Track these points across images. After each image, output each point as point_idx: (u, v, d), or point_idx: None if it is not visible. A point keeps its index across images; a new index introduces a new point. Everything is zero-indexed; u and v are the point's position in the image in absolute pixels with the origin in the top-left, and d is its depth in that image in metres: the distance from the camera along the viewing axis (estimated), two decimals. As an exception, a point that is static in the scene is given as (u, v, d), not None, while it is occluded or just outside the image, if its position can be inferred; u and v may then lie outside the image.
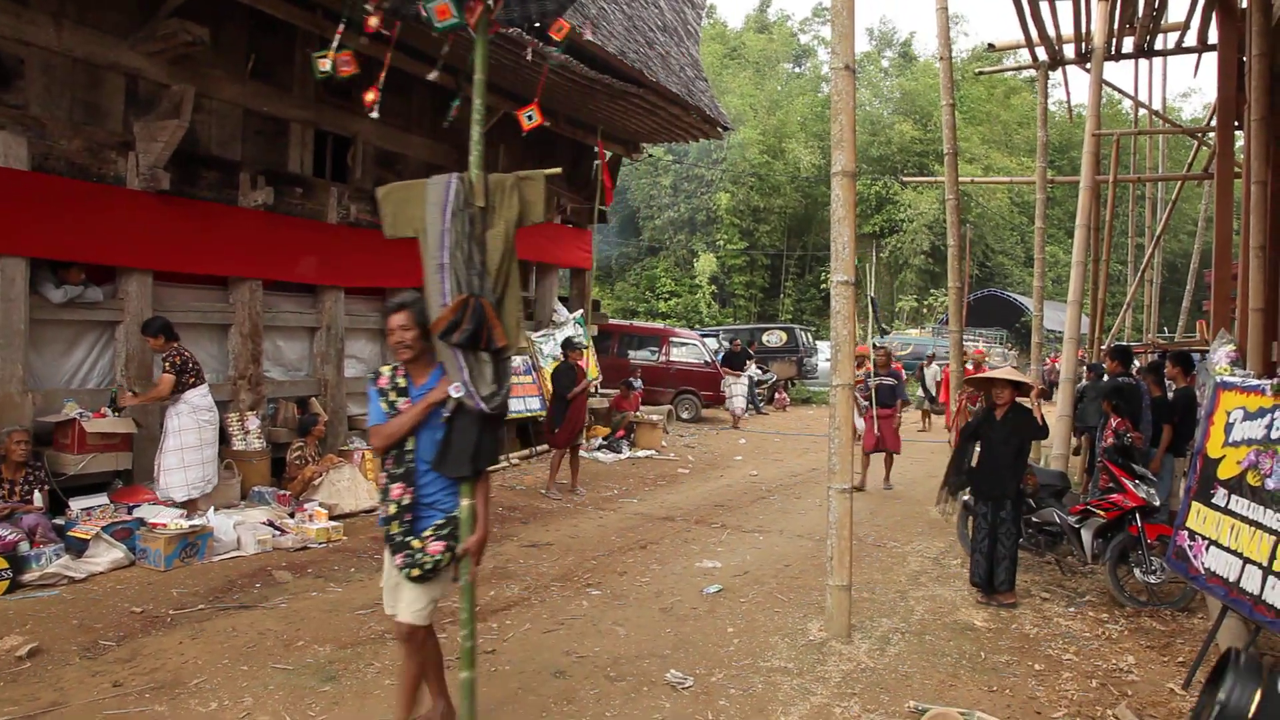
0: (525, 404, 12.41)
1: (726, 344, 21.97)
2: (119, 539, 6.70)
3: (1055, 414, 9.95)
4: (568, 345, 10.90)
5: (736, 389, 18.78)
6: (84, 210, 7.47)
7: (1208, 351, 8.57)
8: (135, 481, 7.69)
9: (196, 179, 8.57)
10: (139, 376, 7.87)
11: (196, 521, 7.11)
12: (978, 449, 6.94)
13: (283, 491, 8.46)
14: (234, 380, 8.86)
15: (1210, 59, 11.04)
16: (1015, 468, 6.63)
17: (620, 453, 13.44)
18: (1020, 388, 6.80)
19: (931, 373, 18.84)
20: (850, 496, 5.59)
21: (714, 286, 34.14)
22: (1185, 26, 11.35)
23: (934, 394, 18.69)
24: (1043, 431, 6.86)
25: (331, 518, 8.06)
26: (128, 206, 7.80)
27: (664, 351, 19.63)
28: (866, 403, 11.46)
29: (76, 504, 6.96)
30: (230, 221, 8.71)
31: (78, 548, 6.50)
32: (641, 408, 16.05)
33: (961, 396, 10.51)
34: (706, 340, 21.33)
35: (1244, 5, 8.74)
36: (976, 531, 6.72)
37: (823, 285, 36.36)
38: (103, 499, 7.25)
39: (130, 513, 7.07)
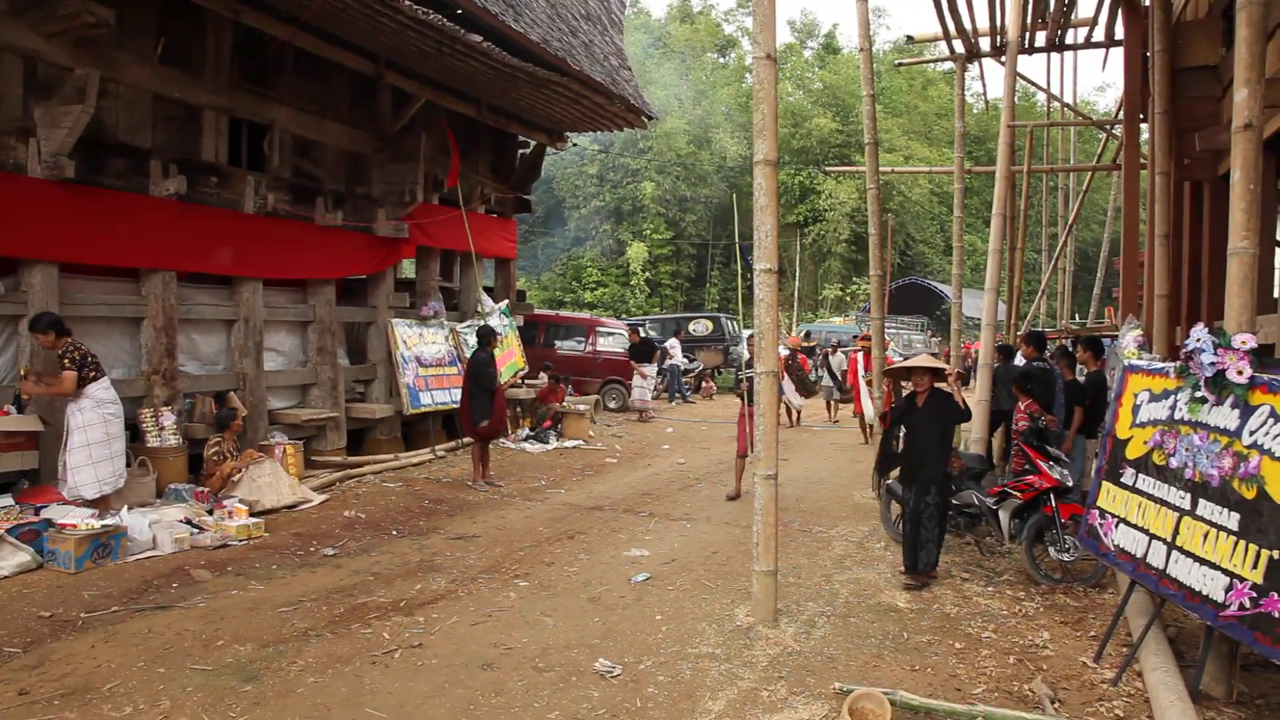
0: (451, 395, 12.27)
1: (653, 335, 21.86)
2: (25, 541, 6.43)
3: (974, 398, 10.22)
4: (484, 334, 10.59)
5: (642, 382, 17.83)
6: (-19, 199, 7.15)
7: (1117, 336, 8.89)
8: (42, 481, 7.39)
9: (104, 167, 8.26)
10: (44, 374, 7.52)
11: (109, 521, 6.86)
12: (902, 435, 7.09)
13: (201, 488, 8.23)
14: (148, 375, 8.56)
15: (1117, 54, 11.42)
16: (939, 452, 6.74)
17: (547, 443, 13.39)
18: (938, 374, 6.94)
19: (837, 361, 18.62)
20: (774, 483, 5.65)
21: (647, 274, 34.26)
22: (1094, 22, 11.73)
23: (840, 382, 18.38)
24: (965, 415, 6.98)
25: (252, 514, 7.86)
26: (29, 195, 7.47)
27: (591, 341, 19.59)
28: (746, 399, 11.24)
29: (-22, 506, 6.68)
30: (141, 211, 8.41)
31: (-20, 551, 6.23)
32: (567, 399, 16.01)
33: (886, 384, 10.68)
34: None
35: (1146, 3, 9.06)
36: (904, 517, 6.86)
37: (749, 274, 36.69)
38: (7, 500, 6.96)
39: (37, 513, 6.79)
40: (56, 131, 7.52)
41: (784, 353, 16.53)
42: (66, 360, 7.12)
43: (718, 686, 4.69)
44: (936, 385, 6.91)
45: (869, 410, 13.72)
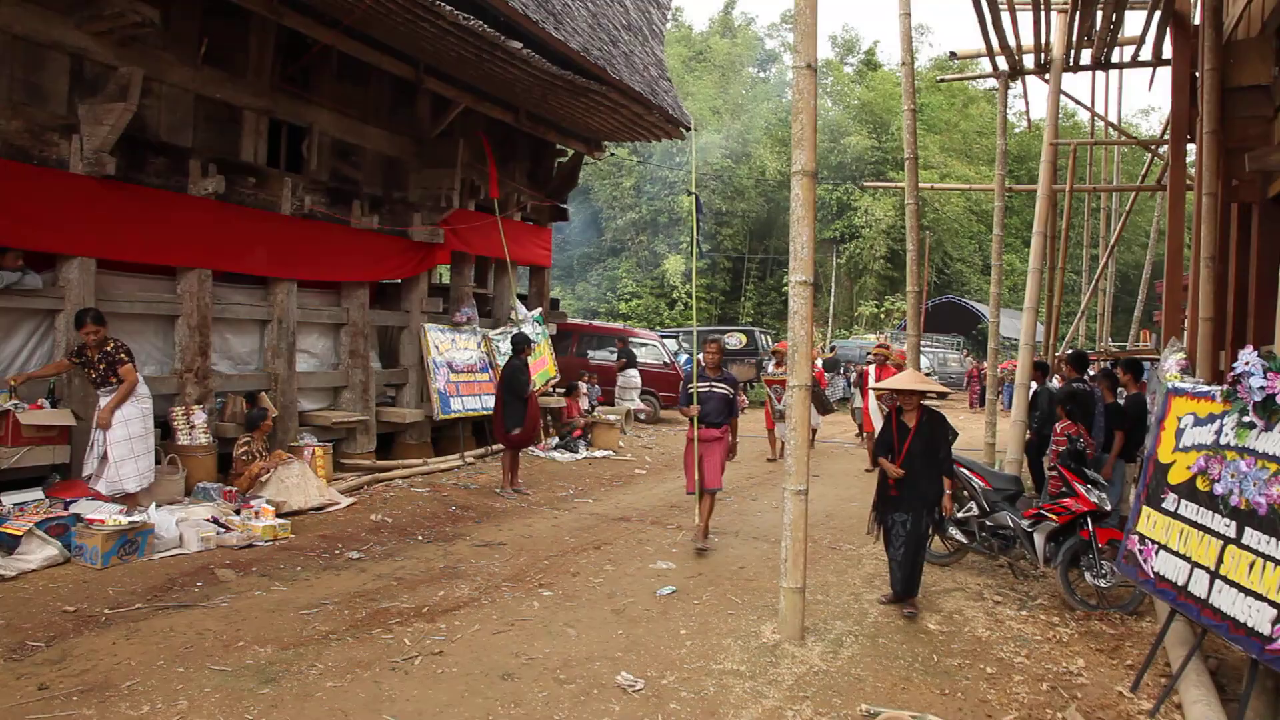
0: (482, 402, 12.27)
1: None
2: (54, 535, 6.46)
3: (1010, 418, 10.04)
4: (518, 341, 10.58)
5: (627, 389, 17.54)
6: (23, 193, 7.22)
7: (1158, 359, 8.69)
8: (73, 476, 7.44)
9: (144, 165, 8.34)
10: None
11: (137, 518, 6.88)
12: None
13: (229, 488, 8.25)
14: (180, 373, 8.62)
15: (1164, 73, 11.21)
16: (936, 474, 6.43)
17: (577, 453, 13.34)
18: (928, 394, 6.64)
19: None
20: (805, 499, 5.55)
21: (687, 288, 34.25)
22: (1141, 40, 11.51)
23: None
24: (953, 434, 6.75)
25: (279, 515, 7.86)
26: (70, 191, 7.56)
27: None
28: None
29: (9, 499, 6.72)
30: (179, 210, 8.48)
31: (9, 544, 6.26)
32: (600, 409, 15.94)
33: (881, 404, 10.36)
34: (666, 341, 21.28)
35: (1197, 21, 8.88)
36: (894, 541, 6.41)
37: (783, 289, 36.58)
38: (38, 494, 7.01)
39: (67, 508, 6.82)
40: (99, 129, 7.60)
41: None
42: (122, 354, 7.27)
43: (741, 704, 4.59)
44: (924, 405, 6.57)
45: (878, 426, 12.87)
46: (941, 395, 6.96)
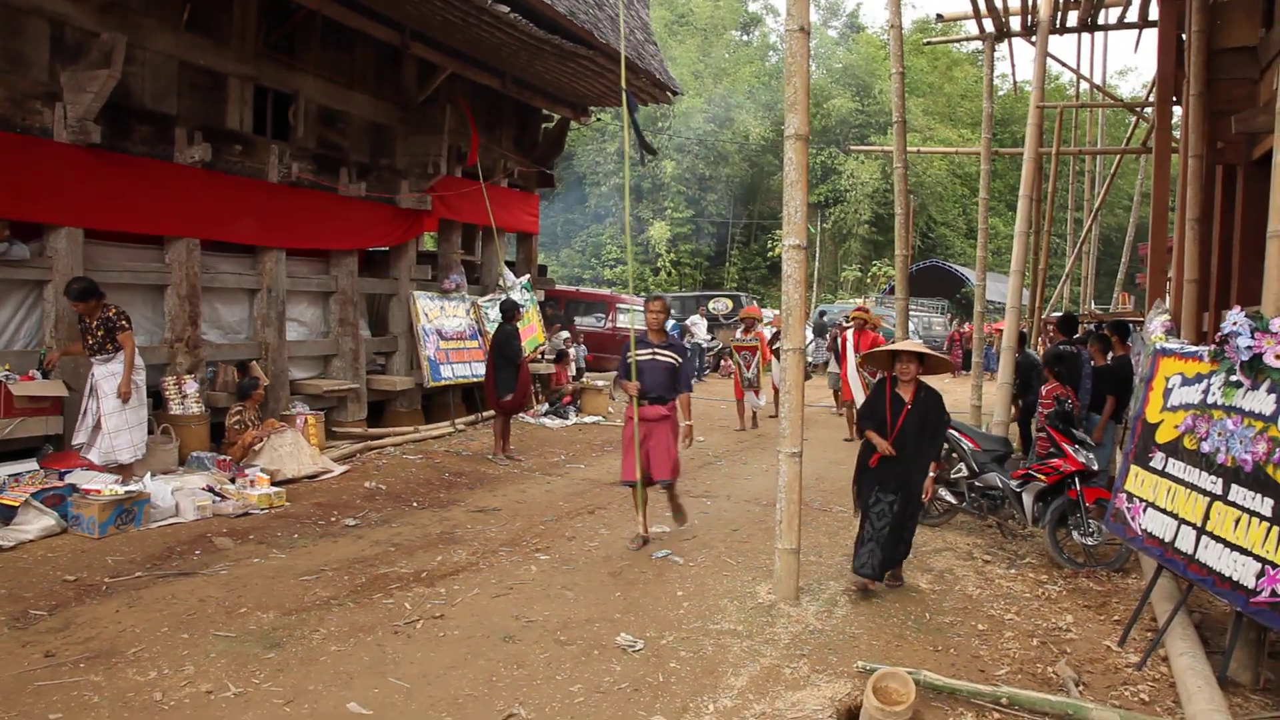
0: (472, 369, 12.28)
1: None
2: (50, 505, 6.47)
3: (997, 381, 10.15)
4: (508, 307, 10.56)
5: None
6: (7, 163, 7.13)
7: (1143, 321, 8.79)
8: (66, 446, 7.44)
9: (129, 133, 8.25)
10: (69, 338, 7.56)
11: (133, 487, 6.90)
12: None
13: (223, 457, 8.26)
14: (170, 343, 8.59)
15: (1150, 35, 11.22)
16: (926, 456, 5.90)
17: (567, 418, 13.40)
18: (927, 361, 5.94)
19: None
20: (799, 460, 5.61)
21: (671, 255, 34.21)
22: (1128, 2, 11.51)
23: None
24: (947, 419, 6.14)
25: (274, 483, 7.88)
26: (55, 160, 7.48)
27: (610, 317, 19.55)
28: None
29: (3, 470, 6.71)
30: (166, 178, 8.40)
31: (5, 515, 6.28)
32: (587, 374, 15.98)
33: (863, 371, 10.04)
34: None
35: (1185, -19, 8.89)
36: (877, 520, 5.80)
37: (769, 253, 36.60)
38: (32, 465, 7.00)
39: (62, 478, 6.83)
40: (83, 96, 7.50)
41: (767, 333, 14.96)
42: (124, 320, 7.28)
43: (739, 663, 4.68)
44: (921, 379, 5.96)
45: (858, 397, 11.61)
46: (945, 367, 6.43)
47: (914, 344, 6.05)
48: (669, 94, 14.04)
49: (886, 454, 5.73)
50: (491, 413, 10.76)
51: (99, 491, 6.60)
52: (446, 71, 11.39)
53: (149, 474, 7.40)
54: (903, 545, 5.93)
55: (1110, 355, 8.81)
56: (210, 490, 7.46)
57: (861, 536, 5.83)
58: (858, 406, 10.17)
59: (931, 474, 6.03)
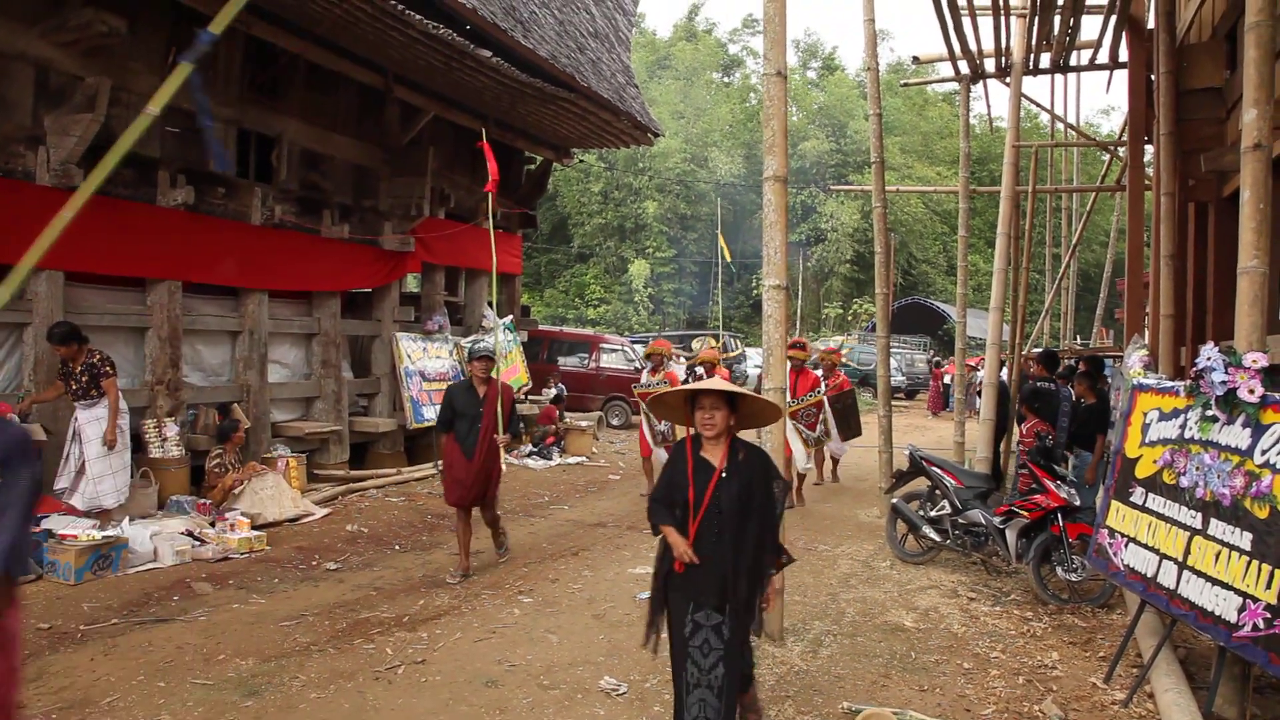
0: (454, 410, 12.21)
1: None
2: (26, 551, 6.37)
3: (981, 417, 10.19)
4: (474, 356, 7.59)
5: None
6: (-12, 206, 7.13)
7: (1121, 356, 8.88)
8: (44, 492, 7.35)
9: (113, 176, 8.05)
10: (48, 381, 7.50)
11: (110, 533, 6.82)
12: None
13: (203, 500, 8.19)
14: (151, 385, 8.54)
15: (1122, 76, 11.44)
16: (759, 547, 3.83)
17: (551, 459, 13.34)
18: (741, 406, 3.89)
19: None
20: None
21: (650, 290, 34.33)
22: (1098, 44, 11.74)
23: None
24: (784, 486, 4.18)
25: (254, 527, 7.81)
26: (37, 203, 7.44)
27: (594, 358, 19.56)
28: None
29: (-21, 515, 6.62)
30: (148, 221, 8.41)
31: (-20, 561, 6.18)
32: (570, 415, 15.95)
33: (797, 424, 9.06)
34: (636, 347, 21.32)
35: (1151, 26, 9.09)
36: (701, 657, 3.75)
37: (752, 293, 36.80)
38: (8, 510, 6.90)
39: (38, 524, 6.74)
40: (66, 140, 7.52)
41: (679, 371, 12.04)
42: (108, 367, 7.27)
43: (724, 705, 4.63)
44: (738, 435, 3.95)
45: (798, 454, 9.66)
46: (770, 412, 4.17)
47: (716, 382, 4.01)
48: (649, 135, 14.18)
49: (688, 560, 3.74)
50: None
51: (75, 537, 6.53)
52: (429, 114, 11.48)
53: (127, 518, 7.32)
54: (747, 672, 4.09)
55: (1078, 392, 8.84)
56: (189, 534, 7.38)
57: (684, 683, 3.76)
58: (797, 463, 9.54)
59: (773, 572, 4.06)
